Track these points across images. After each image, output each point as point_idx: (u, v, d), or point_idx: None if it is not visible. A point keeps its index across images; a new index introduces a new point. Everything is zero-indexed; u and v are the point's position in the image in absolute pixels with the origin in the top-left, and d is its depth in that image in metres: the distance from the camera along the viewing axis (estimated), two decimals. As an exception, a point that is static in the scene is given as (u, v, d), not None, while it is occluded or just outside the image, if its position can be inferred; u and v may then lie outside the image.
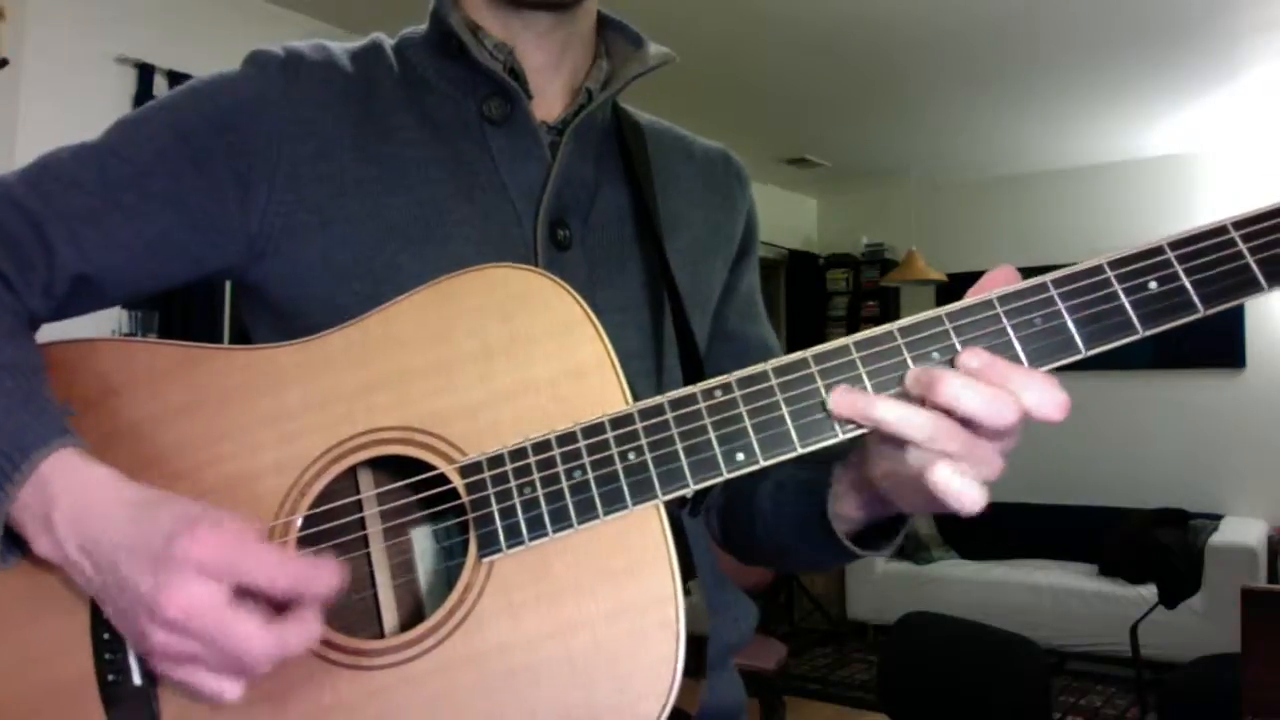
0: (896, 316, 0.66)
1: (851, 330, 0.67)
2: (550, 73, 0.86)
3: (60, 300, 0.75)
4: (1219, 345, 5.64)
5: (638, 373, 0.68)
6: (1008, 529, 5.87)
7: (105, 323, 2.99)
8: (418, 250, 0.78)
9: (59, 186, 0.75)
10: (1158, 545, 4.43)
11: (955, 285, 5.82)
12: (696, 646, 0.66)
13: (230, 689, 0.60)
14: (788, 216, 6.80)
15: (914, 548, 5.84)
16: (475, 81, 0.83)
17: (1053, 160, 6.04)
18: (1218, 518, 5.36)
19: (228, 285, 3.51)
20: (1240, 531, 5.09)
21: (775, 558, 0.91)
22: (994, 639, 2.51)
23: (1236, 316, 5.61)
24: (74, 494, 0.62)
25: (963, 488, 0.62)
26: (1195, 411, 5.76)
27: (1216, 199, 5.66)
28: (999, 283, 0.64)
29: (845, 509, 0.75)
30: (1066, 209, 6.14)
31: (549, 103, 0.86)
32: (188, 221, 0.77)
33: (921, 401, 0.62)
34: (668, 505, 0.66)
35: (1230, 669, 2.39)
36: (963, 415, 0.60)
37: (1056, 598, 5.23)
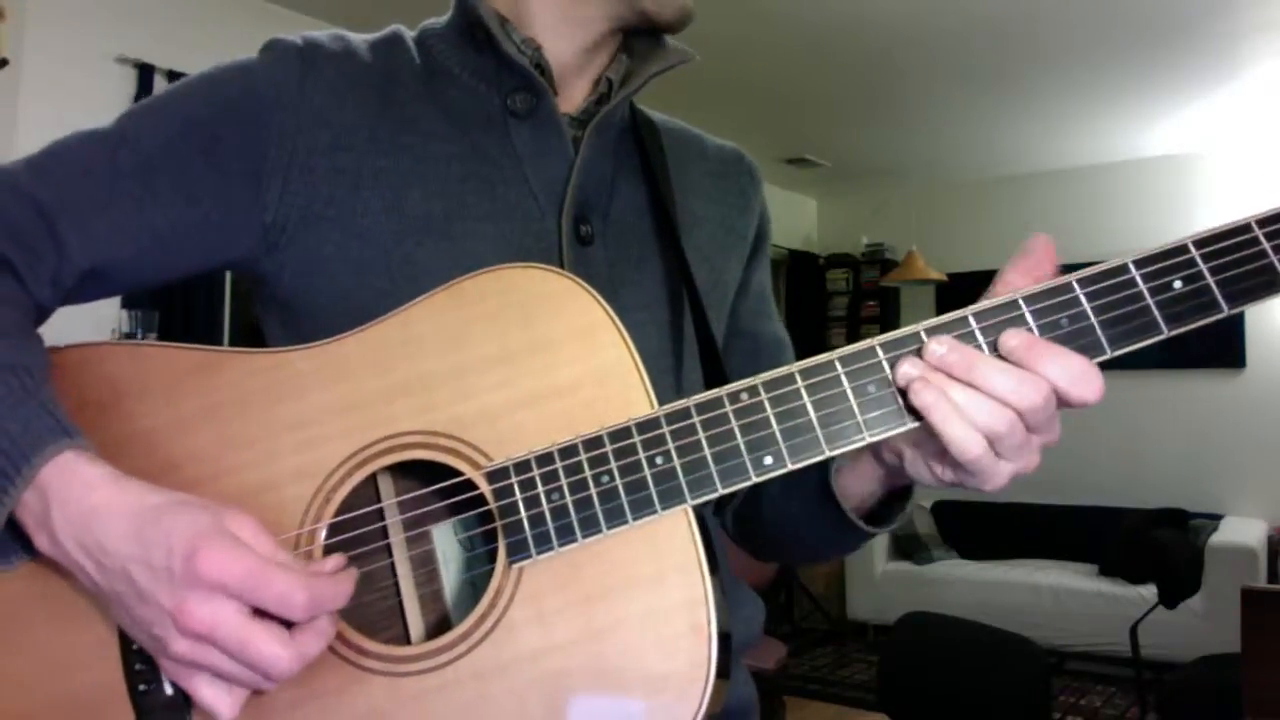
0: (897, 317, 0.66)
1: (851, 330, 0.67)
2: (578, 72, 0.86)
3: (68, 291, 0.74)
4: (1219, 345, 5.64)
5: (657, 371, 0.68)
6: (1008, 529, 5.87)
7: (105, 322, 2.99)
8: (437, 245, 0.77)
9: (68, 176, 0.74)
10: (1158, 545, 4.43)
11: (955, 285, 5.81)
12: (723, 644, 0.66)
13: (228, 709, 0.60)
14: (788, 216, 6.80)
15: (914, 548, 5.84)
16: (501, 74, 0.82)
17: (1053, 160, 6.04)
18: (1218, 518, 5.36)
19: (228, 284, 3.51)
20: (1240, 531, 5.09)
21: (787, 547, 0.92)
22: (994, 639, 2.51)
23: (1236, 317, 5.60)
24: (73, 496, 0.61)
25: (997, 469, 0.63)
26: (1195, 411, 5.76)
27: (1217, 199, 5.66)
28: (1039, 250, 0.64)
29: (851, 482, 0.76)
30: (1066, 209, 6.14)
31: (570, 94, 0.86)
32: (198, 213, 0.75)
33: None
34: (699, 517, 0.65)
35: (1230, 669, 2.39)
36: (996, 397, 0.61)
37: (1056, 598, 5.23)
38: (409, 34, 0.87)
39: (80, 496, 0.61)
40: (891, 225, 6.71)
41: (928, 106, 5.08)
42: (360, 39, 0.84)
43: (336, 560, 0.64)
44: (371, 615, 0.70)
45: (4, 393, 0.63)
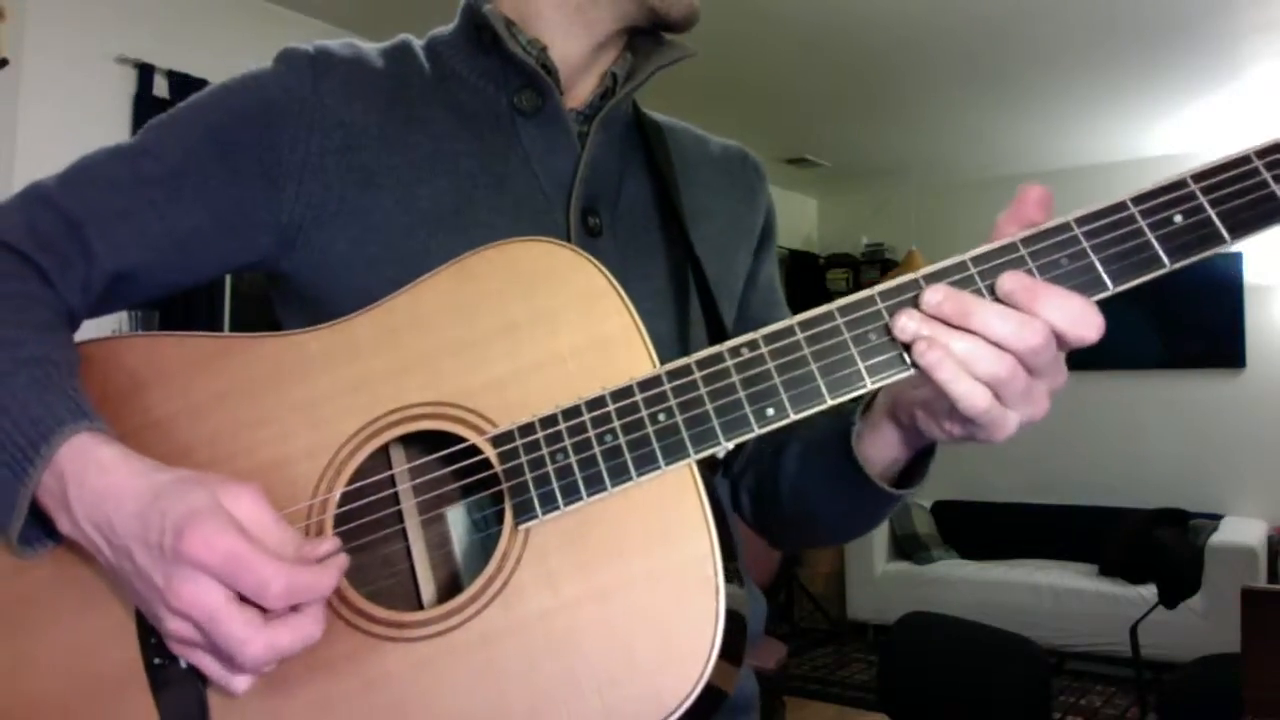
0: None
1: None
2: (584, 70, 0.88)
3: (98, 296, 0.78)
4: (1219, 345, 5.64)
5: (666, 360, 0.69)
6: (1008, 529, 5.87)
7: (106, 323, 2.99)
8: (448, 238, 0.78)
9: (94, 187, 0.78)
10: (1158, 545, 4.44)
11: (955, 285, 5.80)
12: (739, 627, 0.66)
13: (238, 681, 0.61)
14: (788, 216, 6.80)
15: (914, 548, 5.84)
16: (507, 73, 0.84)
17: (1053, 160, 6.04)
18: (1218, 518, 5.36)
19: (228, 285, 3.52)
20: (1240, 531, 5.09)
21: (805, 527, 0.92)
22: (994, 639, 2.51)
23: (1236, 316, 5.61)
24: (88, 476, 0.64)
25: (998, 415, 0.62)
26: (1195, 411, 5.76)
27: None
28: (1032, 200, 0.65)
29: (872, 448, 0.76)
30: (1067, 209, 6.11)
31: (576, 91, 0.88)
32: (218, 218, 0.79)
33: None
34: (707, 481, 0.66)
35: (1230, 669, 2.39)
36: (995, 342, 0.61)
37: (1056, 598, 5.23)
38: (417, 42, 0.89)
39: (94, 477, 0.64)
40: (891, 225, 6.71)
41: (928, 106, 5.08)
42: (371, 47, 0.87)
43: (331, 543, 0.65)
44: (385, 582, 0.71)
45: (29, 381, 0.67)
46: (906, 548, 5.86)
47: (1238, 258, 5.56)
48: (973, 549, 5.90)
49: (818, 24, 3.98)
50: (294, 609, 0.61)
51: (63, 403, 0.66)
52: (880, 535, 5.85)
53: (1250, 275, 5.57)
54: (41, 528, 0.67)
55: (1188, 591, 3.83)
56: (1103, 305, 0.63)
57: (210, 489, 0.61)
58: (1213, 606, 4.68)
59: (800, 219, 7.07)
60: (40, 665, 0.69)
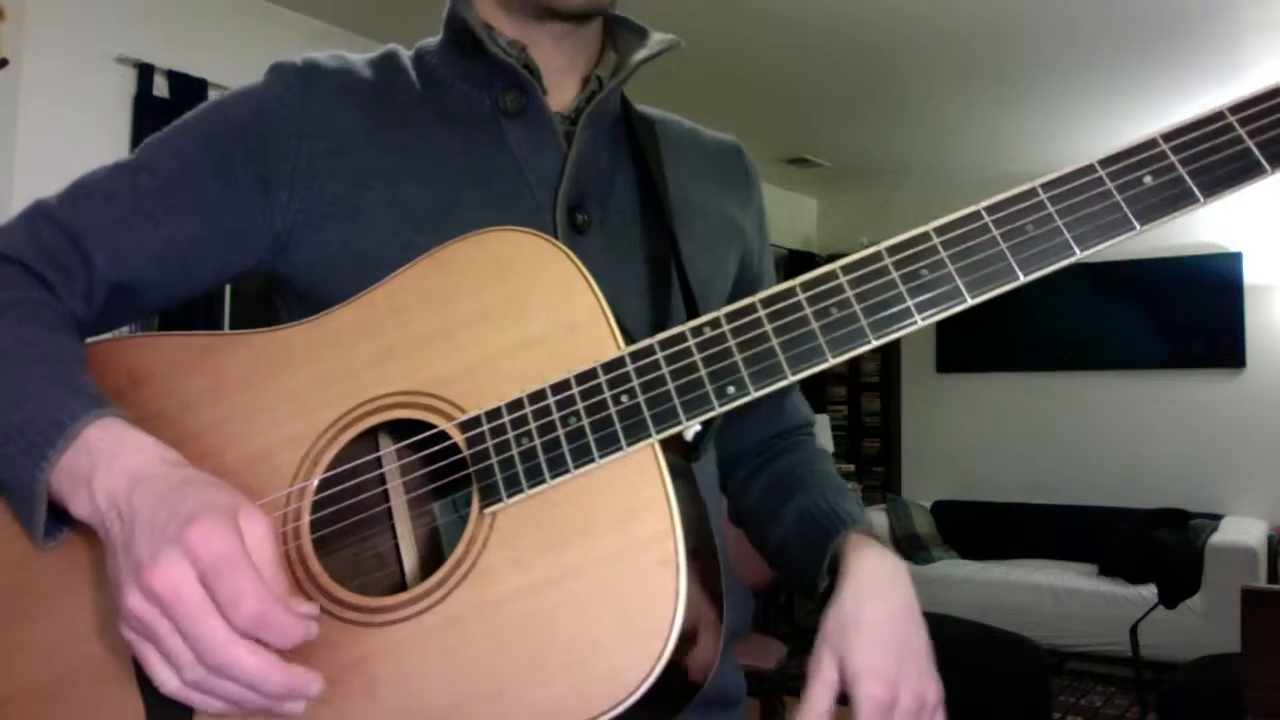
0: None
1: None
2: (564, 72, 0.88)
3: (100, 308, 0.80)
4: (1219, 345, 5.63)
5: None
6: (1008, 529, 5.87)
7: (105, 323, 3.00)
8: (435, 233, 0.79)
9: (93, 201, 0.80)
10: (1158, 545, 4.43)
11: (955, 285, 5.80)
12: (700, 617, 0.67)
13: (168, 679, 0.60)
14: (788, 216, 6.80)
15: (914, 548, 5.83)
16: (491, 76, 0.85)
17: (1053, 160, 6.03)
18: (1218, 518, 5.35)
19: (228, 286, 3.52)
20: (1240, 531, 5.08)
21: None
22: (994, 639, 2.51)
23: (1236, 316, 5.60)
24: (120, 453, 0.65)
25: None
26: (1195, 411, 5.76)
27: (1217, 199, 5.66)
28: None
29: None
30: (1066, 209, 6.13)
31: (561, 94, 0.88)
32: (214, 227, 0.81)
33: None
34: (672, 463, 0.66)
35: (1230, 669, 2.39)
36: None
37: (1056, 598, 5.23)
38: (405, 52, 0.91)
39: (127, 455, 0.66)
40: (891, 225, 6.63)
41: (928, 106, 5.08)
42: (358, 58, 0.89)
43: (310, 606, 0.65)
44: (367, 568, 0.73)
45: (46, 373, 0.69)
46: (907, 548, 5.86)
47: (1238, 258, 5.55)
48: (973, 549, 5.90)
49: (818, 24, 3.98)
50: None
51: (78, 395, 0.68)
52: (880, 535, 5.85)
53: (1250, 275, 5.56)
54: (54, 517, 0.69)
55: (1188, 591, 3.84)
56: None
57: (234, 500, 0.63)
58: (1213, 606, 4.67)
59: (800, 219, 7.07)
60: (36, 652, 0.71)
